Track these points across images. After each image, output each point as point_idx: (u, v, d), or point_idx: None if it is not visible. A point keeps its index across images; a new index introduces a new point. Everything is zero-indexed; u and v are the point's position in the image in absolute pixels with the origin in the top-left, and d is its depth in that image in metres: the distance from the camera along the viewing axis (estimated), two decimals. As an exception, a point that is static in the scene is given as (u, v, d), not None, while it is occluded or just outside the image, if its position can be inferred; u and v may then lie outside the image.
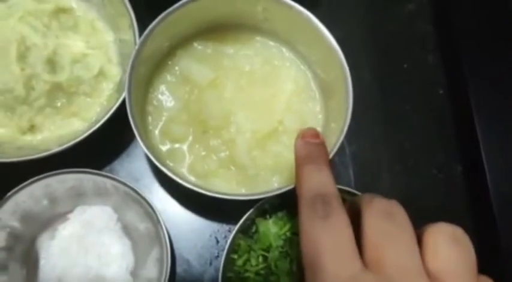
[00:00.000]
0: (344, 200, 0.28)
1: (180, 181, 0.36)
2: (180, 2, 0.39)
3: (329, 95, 0.43)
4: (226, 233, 0.44)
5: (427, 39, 0.50)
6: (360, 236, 0.26)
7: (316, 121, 0.43)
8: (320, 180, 0.29)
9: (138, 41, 0.39)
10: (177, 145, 0.42)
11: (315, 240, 0.26)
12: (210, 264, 0.43)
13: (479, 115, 0.44)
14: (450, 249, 0.25)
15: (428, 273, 0.25)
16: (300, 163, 0.31)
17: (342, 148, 0.46)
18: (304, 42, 0.43)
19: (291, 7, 0.40)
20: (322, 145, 0.32)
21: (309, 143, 0.32)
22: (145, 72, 0.41)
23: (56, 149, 0.37)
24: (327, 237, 0.26)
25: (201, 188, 0.36)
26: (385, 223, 0.26)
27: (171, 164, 0.41)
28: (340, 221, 0.27)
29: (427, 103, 0.49)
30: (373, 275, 0.24)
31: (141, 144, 0.36)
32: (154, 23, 0.38)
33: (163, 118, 0.42)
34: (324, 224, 0.26)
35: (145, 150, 0.36)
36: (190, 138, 0.42)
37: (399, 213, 0.27)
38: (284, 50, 0.45)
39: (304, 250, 0.27)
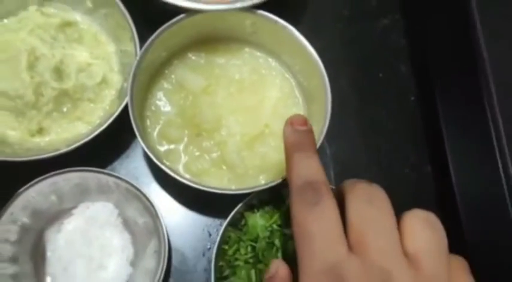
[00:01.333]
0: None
1: (177, 177, 0.40)
2: (177, 18, 0.43)
3: (311, 100, 0.47)
4: (217, 226, 0.47)
5: (400, 51, 0.54)
6: (345, 221, 0.28)
7: (299, 125, 0.48)
8: (309, 167, 0.30)
9: (138, 52, 0.43)
10: (173, 146, 0.46)
11: (304, 225, 0.28)
12: (203, 255, 0.47)
13: (445, 120, 0.47)
14: (425, 231, 0.27)
15: (406, 254, 0.27)
16: (289, 150, 0.32)
17: (323, 150, 0.50)
18: (288, 53, 0.47)
19: (276, 21, 0.44)
20: (310, 132, 0.33)
21: (297, 130, 0.33)
22: (144, 80, 0.45)
23: (63, 150, 0.41)
24: (315, 223, 0.27)
25: (196, 183, 0.40)
26: (367, 207, 0.28)
27: (167, 163, 0.45)
28: (329, 208, 0.28)
29: (400, 109, 0.53)
30: (356, 257, 0.26)
31: (142, 144, 0.40)
32: (153, 36, 0.42)
33: (161, 121, 0.46)
34: (313, 210, 0.28)
35: (146, 150, 0.40)
36: (186, 139, 0.46)
37: (380, 197, 0.29)
38: (270, 60, 0.49)
39: (295, 235, 0.28)
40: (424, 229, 0.28)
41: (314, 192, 0.29)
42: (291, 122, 0.33)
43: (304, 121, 0.33)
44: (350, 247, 0.27)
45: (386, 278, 0.26)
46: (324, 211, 0.28)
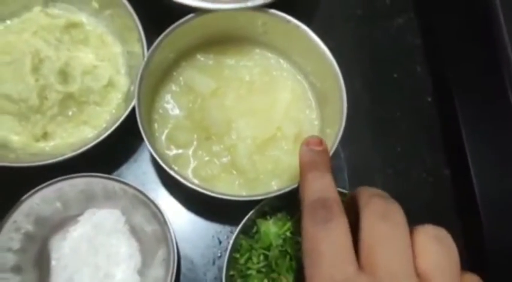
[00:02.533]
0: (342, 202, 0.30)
1: (186, 182, 0.39)
2: (185, 18, 0.41)
3: (324, 103, 0.46)
4: (228, 233, 0.46)
5: (415, 51, 0.52)
6: (358, 237, 0.28)
7: (312, 128, 0.46)
8: (322, 186, 0.30)
9: (146, 53, 0.42)
10: (181, 150, 0.45)
11: (315, 243, 0.28)
12: (213, 263, 0.45)
13: (464, 121, 0.46)
14: (436, 250, 0.27)
15: (417, 273, 0.26)
16: (303, 169, 0.33)
17: (337, 153, 0.49)
18: (301, 54, 0.45)
19: (288, 21, 0.43)
20: (325, 152, 0.34)
21: (313, 150, 0.33)
22: (151, 83, 0.43)
23: (69, 155, 0.39)
24: (325, 241, 0.27)
25: (206, 189, 0.39)
26: (381, 224, 0.27)
27: (176, 168, 0.43)
28: (340, 226, 0.28)
29: (416, 110, 0.51)
30: (366, 277, 0.26)
31: (150, 149, 0.39)
32: (161, 36, 0.41)
33: (169, 125, 0.45)
34: (324, 228, 0.28)
35: (154, 155, 0.38)
36: (195, 143, 0.44)
37: (396, 213, 0.28)
38: (282, 61, 0.48)
39: (305, 252, 0.28)
40: (434, 246, 0.27)
41: (326, 210, 0.29)
42: (307, 143, 0.34)
43: (320, 142, 0.34)
44: (361, 266, 0.27)
45: None
46: (334, 229, 0.28)
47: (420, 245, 0.27)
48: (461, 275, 0.27)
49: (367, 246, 0.27)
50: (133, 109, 0.40)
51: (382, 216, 0.28)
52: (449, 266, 0.27)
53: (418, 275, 0.26)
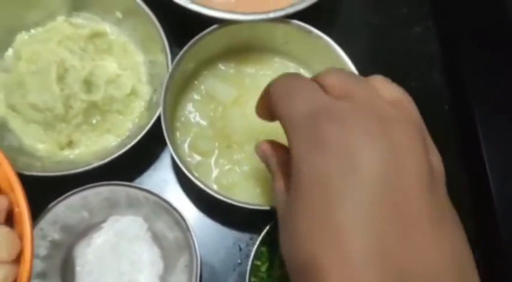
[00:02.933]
0: None
1: (207, 189, 0.39)
2: (210, 28, 0.42)
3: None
4: (248, 241, 0.46)
5: (433, 59, 0.53)
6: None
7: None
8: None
9: (170, 63, 0.42)
10: (203, 158, 0.45)
11: (283, 88, 0.30)
12: (234, 270, 0.45)
13: (484, 130, 0.46)
14: (391, 85, 0.30)
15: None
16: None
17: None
18: (321, 64, 0.45)
19: (310, 32, 0.43)
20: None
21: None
22: (174, 92, 0.44)
23: (96, 164, 0.40)
24: (294, 83, 0.29)
25: (227, 197, 0.39)
26: (340, 73, 0.30)
27: (197, 176, 0.44)
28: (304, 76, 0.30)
29: (434, 118, 0.50)
30: (343, 101, 0.27)
31: (175, 156, 0.39)
32: (186, 47, 0.42)
33: (191, 133, 0.45)
34: (291, 78, 0.30)
35: (179, 162, 0.39)
36: (216, 152, 0.45)
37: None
38: (302, 70, 0.48)
39: (275, 101, 0.30)
40: (389, 83, 0.31)
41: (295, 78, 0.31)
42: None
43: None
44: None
45: (378, 113, 0.26)
46: (300, 77, 0.30)
47: (378, 83, 0.29)
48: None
49: (336, 86, 0.28)
50: (157, 118, 0.41)
51: (337, 70, 0.31)
52: (408, 97, 0.31)
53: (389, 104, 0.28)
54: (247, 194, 0.44)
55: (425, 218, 0.25)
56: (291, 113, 0.27)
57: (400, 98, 0.29)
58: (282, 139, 0.44)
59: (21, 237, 0.34)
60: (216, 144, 0.45)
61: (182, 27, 0.43)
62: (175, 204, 0.41)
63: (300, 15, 0.43)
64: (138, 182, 0.47)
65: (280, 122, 0.29)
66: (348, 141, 0.25)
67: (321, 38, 0.43)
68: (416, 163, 0.26)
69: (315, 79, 0.30)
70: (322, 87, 0.29)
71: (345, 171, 0.24)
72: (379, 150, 0.25)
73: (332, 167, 0.25)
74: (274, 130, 0.45)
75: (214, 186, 0.44)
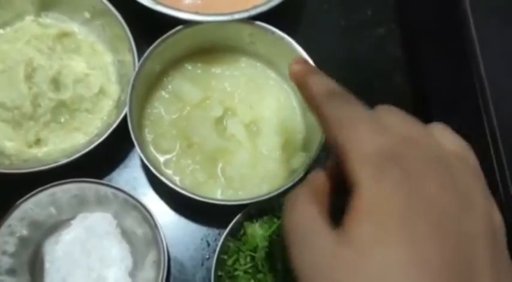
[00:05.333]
0: None
1: (175, 187, 0.40)
2: (175, 29, 0.43)
3: (309, 111, 0.47)
4: (216, 236, 0.47)
5: (395, 61, 0.54)
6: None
7: (297, 135, 0.48)
8: (329, 82, 0.31)
9: (136, 62, 0.43)
10: (169, 156, 0.46)
11: (341, 117, 0.27)
12: (202, 265, 0.47)
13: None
14: (397, 116, 0.28)
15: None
16: (304, 75, 0.31)
17: (321, 160, 0.50)
18: (286, 63, 0.47)
19: (273, 32, 0.44)
20: (308, 63, 0.34)
21: (305, 62, 0.33)
22: (142, 90, 0.45)
23: (63, 161, 0.41)
24: (354, 112, 0.27)
25: (195, 194, 0.40)
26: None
27: (167, 172, 0.45)
28: (362, 106, 0.28)
29: (396, 117, 0.54)
30: (410, 146, 0.25)
31: (141, 155, 0.40)
32: (152, 47, 0.43)
33: (158, 131, 0.46)
34: (347, 105, 0.28)
35: (145, 160, 0.40)
36: (178, 151, 0.46)
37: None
38: (267, 70, 0.49)
39: (332, 130, 0.27)
40: (395, 115, 0.29)
41: (341, 95, 0.29)
42: (295, 61, 0.33)
43: (301, 59, 0.34)
44: None
45: (445, 164, 0.26)
46: (358, 106, 0.28)
47: (383, 114, 0.28)
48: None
49: (397, 129, 0.27)
50: (124, 116, 0.42)
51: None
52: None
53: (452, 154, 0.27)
54: (213, 191, 0.45)
55: (488, 274, 0.24)
56: (358, 148, 0.26)
57: (460, 148, 0.28)
58: (251, 131, 0.46)
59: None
60: (178, 143, 0.46)
61: (150, 28, 0.44)
62: (145, 201, 0.42)
63: (267, 16, 0.45)
64: (108, 180, 0.48)
65: (338, 151, 0.27)
66: (422, 194, 0.24)
67: (283, 38, 0.44)
68: (484, 217, 0.25)
69: (373, 113, 0.29)
70: (380, 122, 0.27)
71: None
72: (452, 204, 0.24)
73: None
74: (243, 131, 0.47)
75: (180, 183, 0.45)
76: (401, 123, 0.28)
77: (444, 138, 0.28)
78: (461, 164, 0.26)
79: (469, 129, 0.47)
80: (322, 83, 0.30)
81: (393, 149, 0.25)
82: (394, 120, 0.28)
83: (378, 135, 0.26)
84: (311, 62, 0.43)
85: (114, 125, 0.41)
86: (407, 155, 0.25)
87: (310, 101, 0.30)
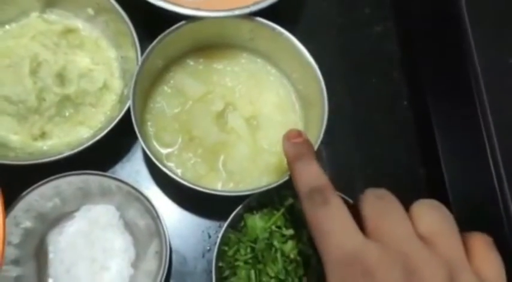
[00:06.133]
0: None
1: (177, 178, 0.41)
2: (177, 25, 0.44)
3: (308, 106, 0.48)
4: (217, 228, 0.48)
5: (392, 58, 0.55)
6: (361, 219, 0.31)
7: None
8: (311, 174, 0.33)
9: (139, 58, 0.44)
10: (171, 150, 0.47)
11: (320, 223, 0.30)
12: (203, 256, 0.47)
13: (437, 123, 0.49)
14: (432, 214, 0.31)
15: (419, 236, 0.29)
16: (290, 162, 0.35)
17: (319, 153, 0.52)
18: (286, 59, 0.48)
19: (273, 28, 0.45)
20: (307, 142, 0.36)
21: (294, 143, 0.36)
22: (144, 85, 0.46)
23: (67, 153, 0.41)
24: (328, 219, 0.30)
25: (196, 185, 0.41)
26: (379, 202, 0.31)
27: (167, 166, 0.46)
28: (337, 205, 0.31)
29: (393, 113, 0.54)
30: (374, 243, 0.29)
31: (145, 148, 0.41)
32: (154, 42, 0.44)
33: (160, 125, 0.47)
34: (325, 209, 0.31)
35: (148, 153, 0.41)
36: (180, 144, 0.47)
37: (388, 194, 0.32)
38: (268, 66, 0.50)
39: (313, 233, 0.31)
40: (431, 212, 0.31)
41: (320, 194, 0.32)
42: (287, 137, 0.37)
43: (299, 134, 0.37)
44: (366, 236, 0.30)
45: (405, 260, 0.28)
46: (333, 208, 0.31)
47: (418, 213, 0.31)
48: (463, 236, 0.30)
49: (370, 219, 0.30)
50: (127, 110, 0.43)
51: (378, 196, 0.32)
52: (448, 227, 0.30)
53: (421, 238, 0.29)
54: (214, 183, 0.46)
55: None
56: (327, 253, 0.29)
57: (437, 231, 0.30)
58: (252, 126, 0.47)
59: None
60: (180, 137, 0.47)
61: (152, 24, 0.45)
62: (147, 194, 0.43)
63: (266, 12, 0.46)
64: (110, 173, 0.48)
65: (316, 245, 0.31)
66: None
67: (283, 34, 0.45)
68: None
69: (355, 204, 0.32)
70: (358, 216, 0.31)
71: None
72: None
73: None
74: (244, 126, 0.48)
75: (182, 176, 0.46)
76: (374, 212, 0.30)
77: (421, 220, 0.30)
78: (430, 254, 0.28)
79: (466, 123, 0.49)
80: (307, 177, 0.33)
81: (356, 254, 0.28)
82: (367, 211, 0.30)
83: (346, 241, 0.29)
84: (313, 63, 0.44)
85: (118, 118, 0.42)
86: (369, 258, 0.28)
87: (295, 188, 0.34)
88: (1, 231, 0.35)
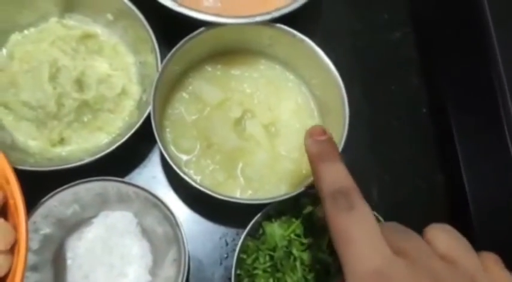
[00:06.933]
0: None
1: (196, 185, 0.41)
2: (198, 31, 0.44)
3: (326, 112, 0.48)
4: (234, 235, 0.48)
5: (411, 64, 0.55)
6: None
7: (315, 136, 0.48)
8: (336, 175, 0.31)
9: (159, 64, 0.44)
10: (189, 156, 0.47)
11: (344, 230, 0.28)
12: (220, 263, 0.47)
13: (458, 131, 0.49)
14: (447, 236, 0.30)
15: (440, 256, 0.29)
16: (313, 161, 0.33)
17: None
18: (305, 66, 0.48)
19: (294, 35, 0.45)
20: (331, 140, 0.34)
21: (318, 140, 0.34)
22: (163, 91, 0.46)
23: (87, 160, 0.41)
24: (355, 226, 0.28)
25: (218, 193, 0.41)
26: (396, 227, 0.31)
27: (186, 172, 0.45)
28: (365, 211, 0.29)
29: (412, 120, 0.54)
30: (402, 258, 0.27)
31: (165, 154, 0.41)
32: (175, 48, 0.43)
33: (178, 132, 0.47)
34: (350, 214, 0.28)
35: (168, 159, 0.41)
36: (198, 151, 0.46)
37: (403, 226, 0.32)
38: (286, 72, 0.50)
39: (335, 241, 0.29)
40: (445, 234, 0.30)
41: (346, 197, 0.29)
42: (310, 134, 0.34)
43: (323, 131, 0.34)
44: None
45: (434, 276, 0.27)
46: (361, 214, 0.29)
47: (431, 236, 0.30)
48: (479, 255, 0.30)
49: (391, 239, 0.29)
50: (146, 117, 0.43)
51: (393, 225, 0.31)
52: (464, 246, 0.30)
53: (441, 257, 0.28)
54: (232, 191, 0.46)
55: None
56: (353, 267, 0.27)
57: (455, 250, 0.29)
58: (270, 132, 0.47)
59: (15, 229, 0.35)
60: (198, 143, 0.47)
61: (171, 29, 0.45)
62: (164, 200, 0.43)
63: (285, 19, 0.45)
64: (127, 179, 0.48)
65: (339, 258, 0.29)
66: None
67: (304, 41, 0.45)
68: None
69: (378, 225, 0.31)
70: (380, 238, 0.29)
71: None
72: None
73: None
74: (262, 133, 0.47)
75: (201, 182, 0.46)
76: (394, 236, 0.29)
77: (438, 242, 0.29)
78: (451, 271, 0.28)
79: (487, 130, 0.48)
80: (332, 178, 0.31)
81: (383, 269, 0.27)
82: (388, 235, 0.29)
83: (374, 254, 0.27)
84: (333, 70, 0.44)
85: (138, 125, 0.42)
86: (396, 272, 0.27)
87: (318, 190, 0.31)
88: (24, 232, 0.34)
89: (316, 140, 0.34)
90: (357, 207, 0.29)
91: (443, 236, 0.30)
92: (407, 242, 0.29)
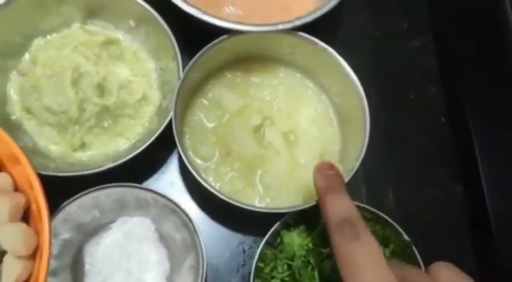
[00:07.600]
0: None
1: (216, 193, 0.41)
2: (220, 38, 0.44)
3: (346, 121, 0.48)
4: (251, 243, 0.48)
5: (430, 73, 0.55)
6: None
7: (334, 146, 0.48)
8: (343, 207, 0.34)
9: (181, 70, 0.44)
10: (208, 163, 0.47)
11: (350, 257, 0.30)
12: (237, 271, 0.47)
13: (477, 140, 0.48)
14: (450, 271, 0.33)
15: None
16: (321, 193, 0.36)
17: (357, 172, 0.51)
18: (325, 74, 0.48)
19: (315, 44, 0.45)
20: (338, 175, 0.37)
21: (326, 175, 0.36)
22: (184, 98, 0.46)
23: (109, 165, 0.41)
24: (361, 253, 0.30)
25: (238, 201, 0.41)
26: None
27: (205, 178, 0.46)
28: (370, 241, 0.31)
29: (431, 129, 0.54)
30: None
31: (185, 161, 0.41)
32: (197, 55, 0.43)
33: (197, 138, 0.47)
34: (357, 244, 0.31)
35: (188, 166, 0.41)
36: (217, 158, 0.46)
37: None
38: (306, 80, 0.50)
39: (341, 269, 0.31)
40: (449, 270, 0.33)
41: (352, 227, 0.32)
42: (318, 169, 0.37)
43: (331, 166, 0.37)
44: None
45: None
46: (366, 243, 0.31)
47: (434, 270, 0.33)
48: None
49: (395, 271, 0.30)
50: (167, 122, 0.43)
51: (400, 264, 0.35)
52: (464, 278, 0.32)
53: None
54: (250, 199, 0.46)
55: None
56: None
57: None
58: (289, 140, 0.47)
59: (37, 234, 0.35)
60: (217, 150, 0.47)
61: (192, 37, 0.45)
62: (182, 206, 0.43)
63: (306, 27, 0.45)
64: (145, 185, 0.48)
65: None
66: None
67: (325, 49, 0.45)
68: None
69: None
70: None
71: None
72: None
73: None
74: (281, 141, 0.47)
75: (220, 189, 0.46)
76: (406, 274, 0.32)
77: (440, 276, 0.33)
78: None
79: (508, 140, 0.48)
80: (338, 209, 0.33)
81: None
82: (399, 267, 0.32)
83: (379, 278, 0.29)
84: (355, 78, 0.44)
85: (159, 131, 0.42)
86: None
87: (325, 220, 0.34)
88: (47, 238, 0.35)
89: (324, 174, 0.37)
90: (363, 236, 0.31)
91: (446, 273, 0.33)
92: (411, 273, 0.32)
